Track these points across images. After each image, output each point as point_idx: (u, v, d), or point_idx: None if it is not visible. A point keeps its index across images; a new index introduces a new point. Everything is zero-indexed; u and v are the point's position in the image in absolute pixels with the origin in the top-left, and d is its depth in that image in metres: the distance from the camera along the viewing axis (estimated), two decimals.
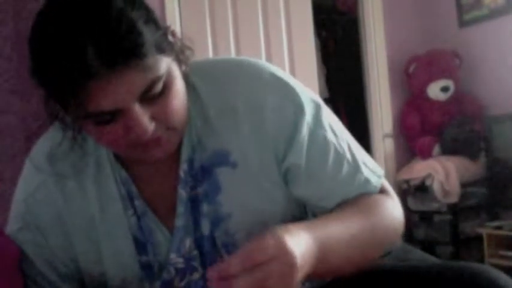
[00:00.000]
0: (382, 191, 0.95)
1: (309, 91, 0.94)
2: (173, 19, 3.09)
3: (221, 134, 0.89)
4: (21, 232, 0.92)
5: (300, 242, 0.73)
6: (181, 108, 0.82)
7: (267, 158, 0.89)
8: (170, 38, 0.80)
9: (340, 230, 0.82)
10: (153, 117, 0.78)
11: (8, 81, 2.82)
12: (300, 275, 0.71)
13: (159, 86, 0.76)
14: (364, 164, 0.93)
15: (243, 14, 3.30)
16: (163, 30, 0.78)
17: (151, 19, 0.76)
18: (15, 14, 2.76)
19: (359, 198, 0.91)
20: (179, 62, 0.82)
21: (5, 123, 2.83)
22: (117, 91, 0.73)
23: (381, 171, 0.96)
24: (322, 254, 0.76)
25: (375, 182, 0.93)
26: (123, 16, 0.72)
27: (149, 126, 0.77)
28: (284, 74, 0.93)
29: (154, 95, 0.77)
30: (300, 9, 3.43)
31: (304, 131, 0.89)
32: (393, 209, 0.92)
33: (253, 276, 0.67)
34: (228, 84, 0.90)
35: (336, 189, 0.91)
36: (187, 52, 0.85)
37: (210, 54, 3.17)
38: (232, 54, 3.25)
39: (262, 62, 0.95)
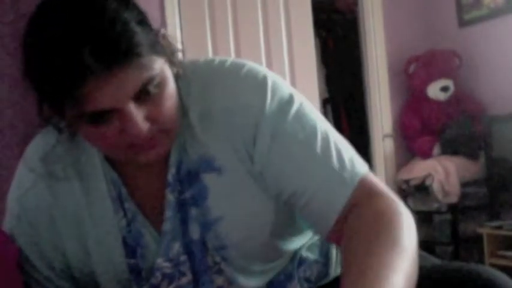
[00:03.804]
0: (366, 187, 0.86)
1: (288, 87, 0.90)
2: (173, 21, 3.09)
3: (203, 140, 0.88)
4: (16, 229, 0.92)
5: None
6: (173, 109, 0.82)
7: (246, 161, 0.87)
8: (161, 40, 0.82)
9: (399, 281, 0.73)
10: (147, 118, 0.78)
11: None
12: None
13: (153, 86, 0.78)
14: (341, 161, 0.86)
15: (242, 15, 3.30)
16: (155, 32, 0.80)
17: (144, 20, 0.78)
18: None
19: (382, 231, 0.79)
20: (171, 64, 0.83)
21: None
22: (114, 90, 0.74)
23: (362, 168, 0.88)
24: None
25: (349, 180, 0.85)
26: (117, 16, 0.74)
27: (144, 126, 0.78)
28: (263, 69, 0.90)
29: (148, 95, 0.78)
30: (300, 9, 3.43)
31: (266, 129, 0.86)
32: (409, 226, 0.82)
33: None
34: (206, 88, 0.89)
35: (303, 182, 0.85)
36: (178, 54, 0.86)
37: (210, 56, 3.17)
38: (232, 56, 3.24)
39: (248, 62, 0.91)
